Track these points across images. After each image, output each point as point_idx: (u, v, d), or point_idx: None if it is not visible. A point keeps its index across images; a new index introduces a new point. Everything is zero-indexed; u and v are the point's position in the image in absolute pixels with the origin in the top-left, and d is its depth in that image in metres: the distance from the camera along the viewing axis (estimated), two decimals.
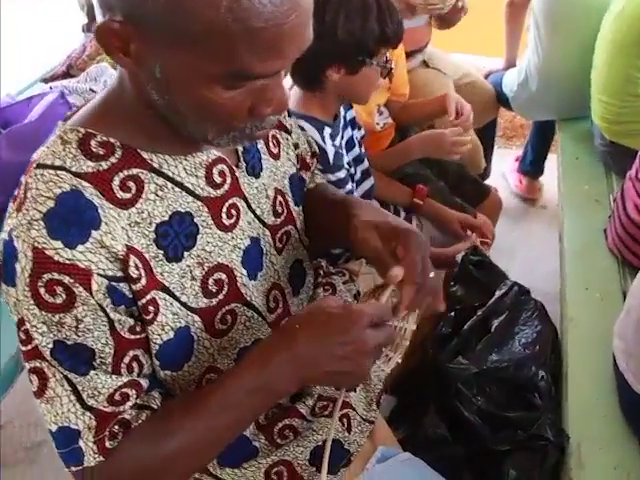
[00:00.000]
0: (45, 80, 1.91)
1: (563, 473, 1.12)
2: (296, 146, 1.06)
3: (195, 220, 0.79)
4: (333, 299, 0.75)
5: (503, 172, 2.82)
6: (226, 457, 0.94)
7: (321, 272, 1.23)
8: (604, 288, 1.44)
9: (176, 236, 0.77)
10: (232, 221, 0.83)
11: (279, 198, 0.94)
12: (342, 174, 1.28)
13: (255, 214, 0.89)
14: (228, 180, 0.83)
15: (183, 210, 0.77)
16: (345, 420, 1.02)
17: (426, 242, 0.84)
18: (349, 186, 1.30)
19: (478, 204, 1.79)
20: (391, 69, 1.24)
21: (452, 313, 1.16)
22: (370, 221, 0.86)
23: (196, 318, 0.80)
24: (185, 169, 0.78)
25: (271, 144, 0.96)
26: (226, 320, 0.85)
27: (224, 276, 0.83)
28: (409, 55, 1.94)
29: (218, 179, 0.82)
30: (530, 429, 1.10)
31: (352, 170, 1.38)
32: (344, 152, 1.37)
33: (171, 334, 0.77)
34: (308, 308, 0.75)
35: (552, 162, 2.36)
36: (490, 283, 1.24)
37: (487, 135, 2.33)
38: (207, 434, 0.75)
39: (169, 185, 0.76)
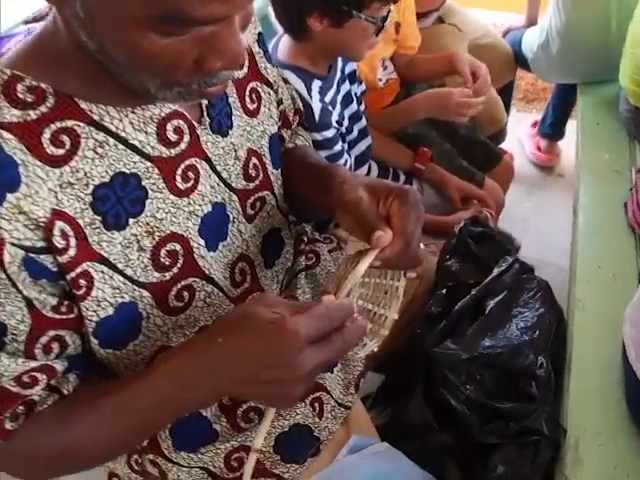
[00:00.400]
0: (27, 22, 1.78)
1: (557, 470, 1.02)
2: (279, 102, 0.94)
3: (143, 183, 0.69)
4: (271, 300, 0.61)
5: (519, 137, 2.68)
6: (181, 440, 0.87)
7: (305, 239, 1.13)
8: (618, 268, 1.31)
9: (118, 201, 0.67)
10: (189, 185, 0.73)
11: (253, 160, 0.84)
12: (330, 133, 1.16)
13: (221, 177, 0.78)
14: (186, 138, 0.73)
15: (128, 171, 0.67)
16: (317, 405, 0.93)
17: (422, 208, 0.72)
18: (338, 146, 1.18)
19: (488, 170, 1.66)
20: (383, 26, 1.10)
21: (443, 290, 1.05)
22: (362, 182, 0.75)
23: (145, 293, 0.71)
24: (132, 124, 0.67)
25: (248, 99, 0.84)
26: (182, 296, 0.76)
27: (178, 247, 0.73)
28: (423, 15, 1.79)
29: (173, 136, 0.71)
30: (523, 422, 1.00)
31: (345, 128, 1.26)
32: (338, 109, 1.24)
33: (110, 310, 0.69)
34: (240, 309, 0.63)
35: (573, 128, 2.22)
36: (489, 259, 1.12)
37: (503, 98, 2.18)
38: (109, 432, 0.66)
39: (111, 141, 0.66)
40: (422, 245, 0.74)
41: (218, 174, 0.78)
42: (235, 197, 0.81)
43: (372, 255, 0.67)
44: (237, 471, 0.88)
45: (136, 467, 0.91)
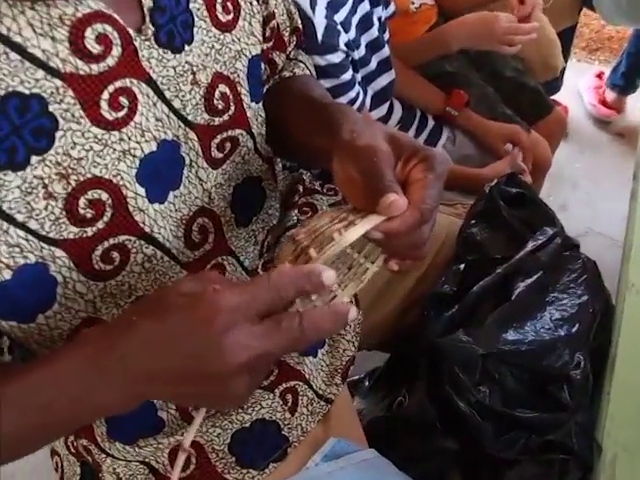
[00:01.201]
0: None
1: None
2: (269, 17, 0.74)
3: (51, 109, 0.52)
4: (210, 276, 0.48)
5: (579, 88, 2.43)
6: (118, 428, 0.73)
7: (300, 189, 0.94)
8: None
9: (14, 131, 0.50)
10: (121, 114, 0.56)
11: (221, 88, 0.66)
12: (336, 58, 0.94)
13: (171, 107, 0.61)
14: (116, 51, 0.55)
15: (27, 91, 0.50)
16: (290, 396, 0.76)
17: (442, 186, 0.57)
18: (347, 75, 0.97)
19: (536, 121, 1.45)
20: None
21: (461, 265, 0.84)
22: (382, 129, 0.59)
23: (59, 253, 0.56)
24: (32, 25, 0.50)
25: (220, 7, 0.65)
26: (111, 258, 0.60)
27: (105, 196, 0.57)
28: None
29: (95, 47, 0.54)
30: (548, 434, 0.81)
31: (361, 58, 1.04)
32: (352, 33, 1.02)
33: (6, 274, 0.54)
34: (160, 289, 0.53)
35: None
36: (524, 229, 0.90)
37: (562, 43, 1.93)
38: (5, 429, 0.50)
39: (0, 49, 0.49)
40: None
41: (167, 103, 0.61)
42: (193, 135, 0.64)
43: (376, 220, 0.52)
44: (185, 470, 0.73)
45: (72, 449, 0.79)
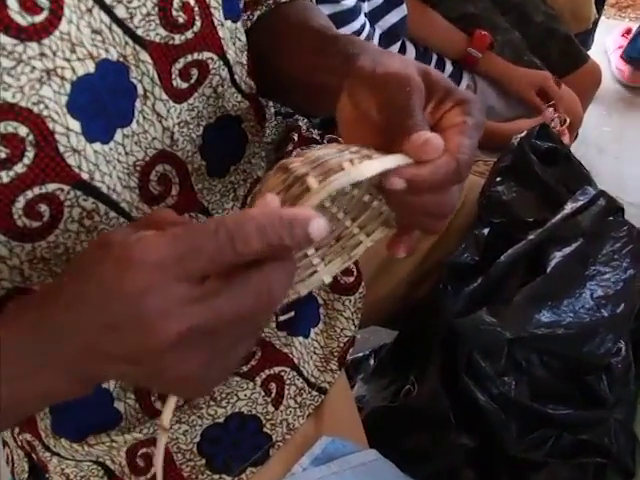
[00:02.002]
0: None
1: None
2: None
3: None
4: (166, 216, 0.38)
5: (606, 48, 2.26)
6: (64, 421, 0.61)
7: (295, 137, 0.80)
8: None
9: None
10: (39, 19, 0.43)
11: None
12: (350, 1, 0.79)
13: (114, 16, 0.48)
14: None
15: None
16: (274, 385, 0.63)
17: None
18: (349, 1, 0.81)
19: (567, 73, 1.30)
20: None
21: (485, 230, 0.70)
22: (411, 60, 0.49)
23: None
24: None
25: None
26: (38, 212, 0.47)
27: (23, 130, 0.44)
28: None
29: None
30: (583, 433, 0.68)
31: None
32: None
33: None
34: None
35: None
36: (560, 188, 0.76)
37: None
38: None
39: None
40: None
41: (107, 9, 0.47)
42: (146, 55, 0.50)
43: (401, 160, 0.40)
44: (145, 473, 0.60)
45: (19, 443, 0.67)
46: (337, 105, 0.48)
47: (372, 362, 1.01)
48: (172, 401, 0.37)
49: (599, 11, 1.88)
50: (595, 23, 1.73)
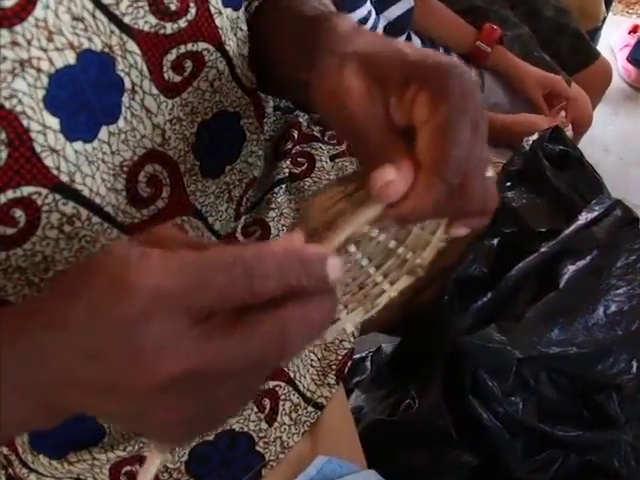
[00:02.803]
0: None
1: None
2: None
3: None
4: (168, 234, 0.32)
5: (612, 45, 2.21)
6: (43, 436, 0.57)
7: (294, 134, 0.76)
8: None
9: None
10: (10, 3, 0.38)
11: None
12: None
13: (98, 3, 0.43)
14: None
15: None
16: (267, 401, 0.59)
17: (479, 105, 0.36)
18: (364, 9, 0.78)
19: (577, 71, 1.26)
20: None
21: (495, 240, 0.66)
22: (360, 50, 0.38)
23: None
24: None
25: None
26: (13, 218, 0.43)
27: None
28: None
29: None
30: (591, 455, 0.65)
31: None
32: None
33: None
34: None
35: None
36: (572, 195, 0.72)
37: None
38: None
39: None
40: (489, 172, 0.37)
41: None
42: (134, 46, 0.46)
43: (374, 210, 0.36)
44: None
45: None
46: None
47: (368, 365, 0.97)
48: (155, 463, 0.32)
49: (607, 8, 1.84)
50: (603, 20, 1.68)
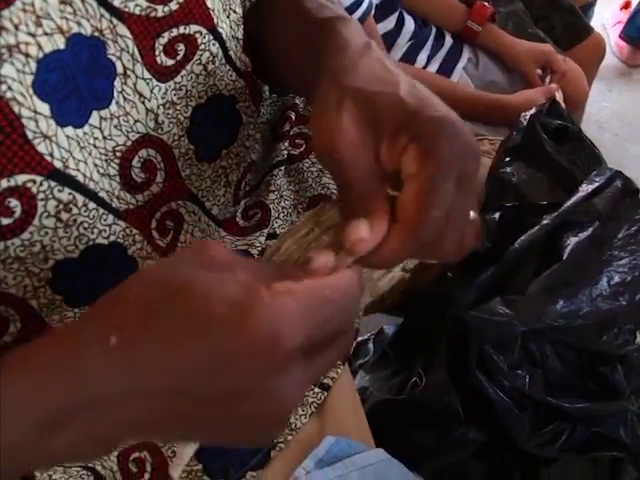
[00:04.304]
0: None
1: None
2: None
3: None
4: (219, 255, 0.33)
5: (604, 22, 2.20)
6: None
7: (292, 116, 0.76)
8: None
9: None
10: None
11: None
12: None
13: None
14: None
15: None
16: None
17: (471, 154, 0.36)
18: None
19: (571, 46, 1.26)
20: None
21: (496, 214, 0.65)
22: (356, 86, 0.38)
23: None
24: None
25: None
26: (8, 208, 0.42)
27: None
28: None
29: None
30: (598, 426, 0.65)
31: None
32: None
33: None
34: (155, 273, 0.33)
35: None
36: (572, 168, 0.71)
37: None
38: None
39: None
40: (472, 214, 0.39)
41: None
42: (124, 29, 0.45)
43: (345, 261, 0.36)
44: (138, 479, 0.56)
45: None
46: None
47: (371, 347, 0.97)
48: (188, 453, 0.34)
49: None
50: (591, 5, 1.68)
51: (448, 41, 1.07)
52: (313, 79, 0.43)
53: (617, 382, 0.66)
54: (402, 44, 1.03)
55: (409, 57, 1.05)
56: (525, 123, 0.74)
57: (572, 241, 0.62)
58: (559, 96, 1.01)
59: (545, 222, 0.63)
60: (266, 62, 0.57)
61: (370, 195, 0.36)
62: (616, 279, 0.64)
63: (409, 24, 1.03)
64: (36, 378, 0.30)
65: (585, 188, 0.65)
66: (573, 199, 0.64)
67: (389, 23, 0.99)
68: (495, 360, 0.59)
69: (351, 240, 0.36)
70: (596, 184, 0.66)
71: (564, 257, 0.60)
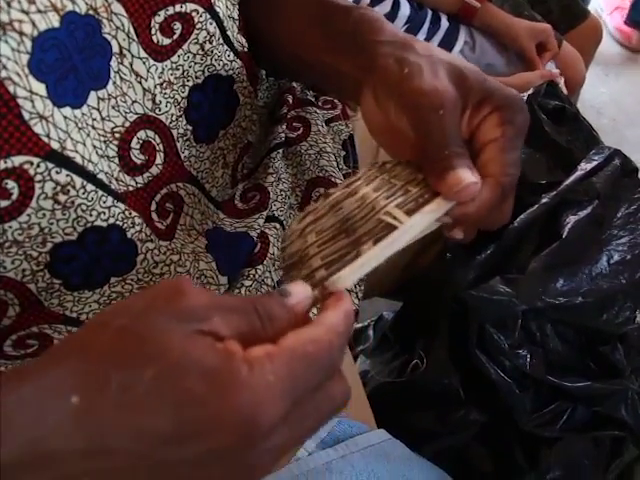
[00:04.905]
0: None
1: None
2: None
3: None
4: (193, 302, 0.30)
5: (597, 9, 2.19)
6: None
7: (289, 99, 0.76)
8: None
9: None
10: None
11: None
12: None
13: None
14: None
15: None
16: None
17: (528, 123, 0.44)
18: None
19: (568, 30, 1.26)
20: None
21: None
22: (441, 58, 0.43)
23: None
24: None
25: None
26: (6, 190, 0.41)
27: None
28: None
29: None
30: (598, 405, 0.65)
31: None
32: None
33: None
34: (120, 322, 0.29)
35: None
36: (572, 147, 0.71)
37: None
38: None
39: None
40: None
41: None
42: (119, 7, 0.45)
43: (443, 207, 0.38)
44: None
45: None
46: (361, 105, 0.45)
47: (371, 333, 0.97)
48: None
49: None
50: None
51: (444, 24, 1.06)
52: (330, 57, 0.49)
53: (617, 361, 0.66)
54: (398, 28, 1.02)
55: None
56: (525, 101, 0.74)
57: (571, 220, 0.62)
58: (561, 81, 1.01)
59: (544, 201, 0.63)
60: (266, 46, 0.57)
61: (462, 151, 0.40)
62: (616, 257, 0.64)
63: (404, 8, 1.02)
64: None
65: (584, 167, 0.65)
66: (572, 178, 0.64)
67: (384, 7, 0.98)
68: (496, 340, 0.59)
69: (457, 187, 0.38)
70: (595, 163, 0.66)
71: (564, 236, 0.60)
